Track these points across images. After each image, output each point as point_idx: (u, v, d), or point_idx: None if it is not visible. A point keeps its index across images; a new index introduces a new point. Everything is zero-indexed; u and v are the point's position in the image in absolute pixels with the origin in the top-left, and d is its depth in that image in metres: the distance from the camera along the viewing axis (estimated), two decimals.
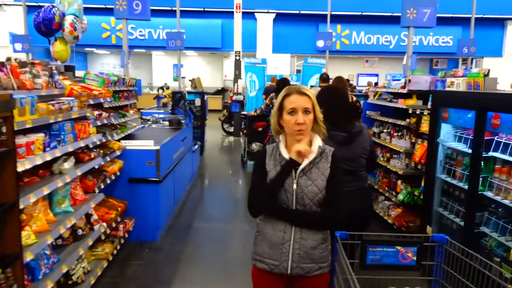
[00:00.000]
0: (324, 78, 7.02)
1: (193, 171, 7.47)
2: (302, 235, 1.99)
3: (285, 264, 1.99)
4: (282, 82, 6.95)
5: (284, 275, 2.01)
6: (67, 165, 3.09)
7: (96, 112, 3.98)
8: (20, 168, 2.40)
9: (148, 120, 7.49)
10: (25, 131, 2.71)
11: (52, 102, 2.99)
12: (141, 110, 14.16)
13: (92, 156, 3.64)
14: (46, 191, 2.69)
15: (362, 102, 6.21)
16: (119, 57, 23.25)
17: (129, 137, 5.45)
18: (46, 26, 5.57)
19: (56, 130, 2.99)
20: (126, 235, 4.54)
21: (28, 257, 2.47)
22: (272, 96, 7.06)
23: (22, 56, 10.51)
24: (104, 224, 3.95)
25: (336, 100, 2.88)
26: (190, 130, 7.17)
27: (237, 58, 13.60)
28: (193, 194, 6.80)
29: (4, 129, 2.14)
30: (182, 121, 6.80)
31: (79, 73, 4.86)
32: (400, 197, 4.83)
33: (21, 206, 2.40)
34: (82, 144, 3.32)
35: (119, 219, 4.36)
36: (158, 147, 4.64)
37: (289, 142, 2.03)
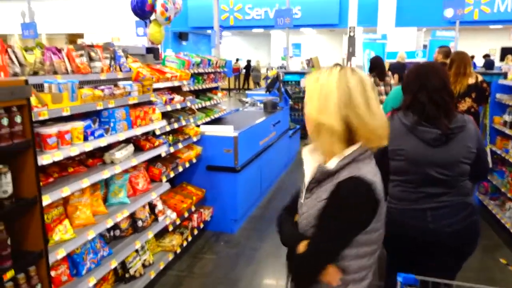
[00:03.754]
0: (444, 52, 5.79)
1: (290, 157, 7.02)
2: None
3: None
4: (375, 61, 6.05)
5: None
6: (119, 154, 2.90)
7: (166, 96, 3.77)
8: (46, 161, 2.23)
9: (246, 102, 7.25)
10: (70, 119, 2.57)
11: (102, 87, 2.80)
12: (246, 91, 14.20)
13: (157, 143, 3.43)
14: (85, 183, 2.51)
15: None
16: (241, 38, 23.72)
17: (215, 121, 5.24)
18: (140, 9, 5.60)
19: (106, 117, 2.80)
20: (202, 225, 4.34)
21: (60, 254, 2.32)
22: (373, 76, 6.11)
23: (144, 41, 11.03)
24: (174, 214, 3.77)
25: (427, 84, 2.13)
26: (286, 113, 6.70)
27: (351, 34, 12.51)
28: (286, 183, 6.36)
29: (19, 119, 1.95)
30: (277, 103, 6.38)
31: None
32: None
33: (49, 201, 2.24)
34: (138, 132, 3.10)
35: (193, 208, 4.16)
36: (236, 134, 4.28)
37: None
